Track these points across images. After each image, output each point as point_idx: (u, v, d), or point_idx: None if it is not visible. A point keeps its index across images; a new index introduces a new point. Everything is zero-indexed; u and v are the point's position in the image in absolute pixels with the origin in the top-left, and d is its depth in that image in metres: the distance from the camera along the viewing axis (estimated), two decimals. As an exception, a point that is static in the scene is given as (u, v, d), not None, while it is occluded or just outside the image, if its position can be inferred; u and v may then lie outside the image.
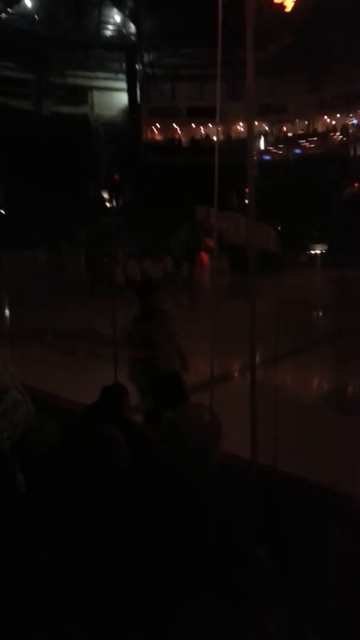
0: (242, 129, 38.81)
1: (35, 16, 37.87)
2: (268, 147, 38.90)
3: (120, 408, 2.65)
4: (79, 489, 1.70)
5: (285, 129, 40.91)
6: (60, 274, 18.27)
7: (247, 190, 29.38)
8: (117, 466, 1.69)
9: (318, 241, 26.46)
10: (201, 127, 39.38)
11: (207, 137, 38.68)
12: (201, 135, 39.12)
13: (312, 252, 26.65)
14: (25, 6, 37.56)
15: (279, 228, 22.71)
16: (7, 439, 2.10)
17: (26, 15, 37.68)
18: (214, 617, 1.14)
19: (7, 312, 12.81)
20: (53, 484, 1.80)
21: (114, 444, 1.75)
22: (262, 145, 38.83)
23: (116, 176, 34.06)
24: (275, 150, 38.55)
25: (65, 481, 1.77)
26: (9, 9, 36.87)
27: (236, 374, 8.06)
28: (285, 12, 19.86)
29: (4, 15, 36.96)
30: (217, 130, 35.33)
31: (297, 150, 37.61)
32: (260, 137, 39.81)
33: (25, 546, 1.50)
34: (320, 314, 14.39)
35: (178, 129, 40.20)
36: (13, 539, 1.52)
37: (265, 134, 39.92)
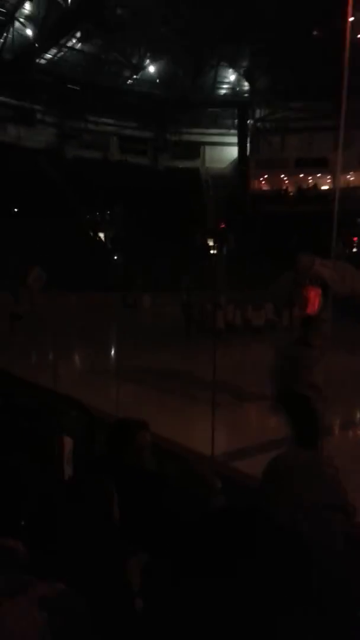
0: (351, 178, 38.27)
1: (157, 80, 41.15)
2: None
3: (135, 446, 2.51)
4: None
5: None
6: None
7: (355, 238, 28.59)
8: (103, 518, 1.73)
9: None
10: (309, 176, 39.48)
11: (315, 186, 38.62)
12: (308, 185, 39.16)
13: None
14: (148, 72, 41.00)
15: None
16: None
17: (149, 79, 41.09)
18: None
19: (112, 351, 13.44)
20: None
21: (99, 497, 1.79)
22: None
23: (222, 225, 35.05)
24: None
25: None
26: (134, 76, 40.47)
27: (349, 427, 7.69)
28: None
29: (129, 81, 40.63)
30: (337, 177, 35.10)
31: None
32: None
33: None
34: None
35: (285, 179, 40.67)
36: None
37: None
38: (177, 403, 8.84)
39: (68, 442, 2.75)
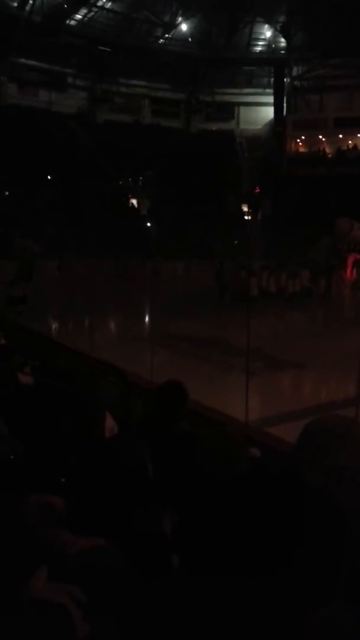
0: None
1: (189, 39, 39.81)
2: None
3: (176, 411, 2.53)
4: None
5: None
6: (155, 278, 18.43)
7: None
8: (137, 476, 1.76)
9: None
10: (349, 137, 37.91)
11: (355, 147, 37.12)
12: (348, 146, 37.66)
13: None
14: (180, 30, 39.66)
15: None
16: None
17: (181, 38, 39.79)
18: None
19: (146, 318, 13.54)
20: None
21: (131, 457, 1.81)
22: None
23: (257, 189, 34.25)
24: None
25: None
26: (166, 35, 39.26)
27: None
28: None
29: (161, 41, 39.45)
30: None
31: None
32: None
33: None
34: None
35: (324, 140, 39.17)
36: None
37: None
38: (212, 370, 8.90)
39: (109, 418, 2.81)
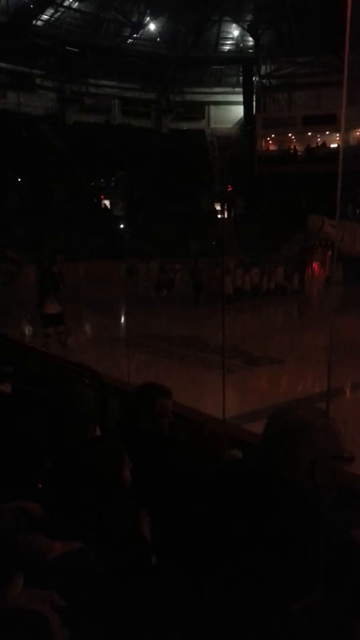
0: (361, 136, 37.13)
1: (158, 39, 39.76)
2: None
3: (154, 412, 2.48)
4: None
5: None
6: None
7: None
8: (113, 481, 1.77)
9: None
10: (317, 135, 38.42)
11: (324, 144, 37.64)
12: (317, 144, 38.18)
13: None
14: (149, 30, 39.58)
15: None
16: None
17: (150, 38, 39.72)
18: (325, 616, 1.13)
19: (122, 319, 13.48)
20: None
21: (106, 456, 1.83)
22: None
23: (229, 188, 34.46)
24: None
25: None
26: (135, 35, 39.12)
27: (348, 390, 7.72)
28: None
29: (130, 41, 39.31)
30: (342, 134, 34.25)
31: None
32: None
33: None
34: None
35: (293, 138, 39.62)
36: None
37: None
38: (188, 369, 8.91)
39: (95, 430, 2.79)
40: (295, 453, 1.34)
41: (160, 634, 1.35)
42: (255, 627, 1.20)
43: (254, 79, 40.00)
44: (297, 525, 1.26)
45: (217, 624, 1.26)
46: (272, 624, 1.17)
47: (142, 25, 38.95)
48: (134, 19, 38.19)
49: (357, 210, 26.16)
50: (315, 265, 20.42)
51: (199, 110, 42.75)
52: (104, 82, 40.26)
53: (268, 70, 39.79)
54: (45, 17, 35.57)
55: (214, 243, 20.81)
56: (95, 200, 32.80)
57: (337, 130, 35.72)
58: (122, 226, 28.69)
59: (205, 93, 42.42)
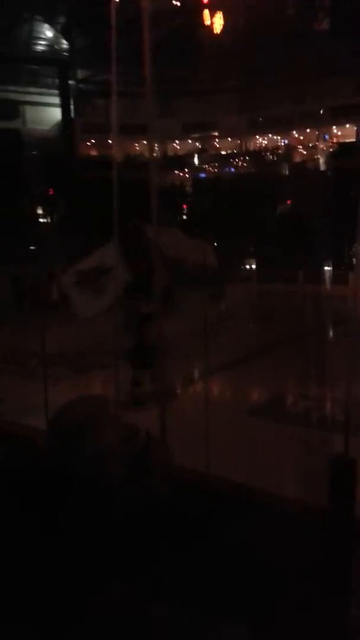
0: (178, 146, 39.49)
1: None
2: (202, 165, 39.80)
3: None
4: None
5: (218, 147, 42.08)
6: None
7: (184, 206, 29.85)
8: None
9: (252, 256, 27.22)
10: (134, 143, 39.71)
11: (142, 153, 39.04)
12: (134, 152, 39.47)
13: (247, 267, 27.36)
14: None
15: (215, 244, 23.09)
16: None
17: None
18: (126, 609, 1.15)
19: None
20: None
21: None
22: (196, 163, 39.72)
23: (50, 191, 33.58)
24: (209, 168, 39.51)
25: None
26: None
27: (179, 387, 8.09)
28: (215, 34, 20.55)
29: None
30: (151, 145, 35.66)
31: (231, 169, 38.74)
32: (194, 155, 40.68)
33: None
34: (254, 326, 14.72)
35: (112, 144, 40.33)
36: None
37: (199, 152, 40.86)
38: (10, 382, 8.42)
39: None
40: (78, 448, 1.35)
41: None
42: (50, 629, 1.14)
43: (70, 82, 39.68)
44: (84, 520, 1.28)
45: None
46: (68, 624, 1.16)
47: None
48: None
49: (178, 217, 27.72)
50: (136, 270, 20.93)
51: (13, 109, 40.82)
52: None
53: (85, 75, 39.85)
54: None
55: (32, 247, 20.02)
56: None
57: (153, 140, 37.32)
58: None
59: (20, 92, 40.66)
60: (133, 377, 7.65)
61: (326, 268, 22.29)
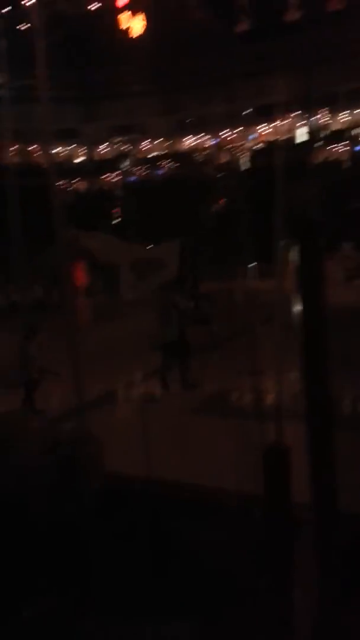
0: (103, 151, 39.09)
1: None
2: (131, 168, 39.64)
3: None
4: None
5: (146, 150, 42.01)
6: None
7: (116, 210, 29.56)
8: None
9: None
10: (61, 149, 38.86)
11: (69, 159, 38.36)
12: (61, 157, 38.63)
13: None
14: None
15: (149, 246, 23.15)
16: None
17: None
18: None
19: None
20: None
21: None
22: (125, 166, 39.54)
23: None
24: (139, 171, 39.42)
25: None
26: None
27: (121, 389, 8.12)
28: (134, 37, 20.56)
29: None
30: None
31: (160, 171, 38.83)
32: (123, 159, 40.46)
33: None
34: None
35: (38, 151, 39.31)
36: None
37: (128, 155, 40.66)
38: None
39: None
40: (6, 459, 1.35)
41: None
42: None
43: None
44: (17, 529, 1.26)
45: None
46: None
47: None
48: None
49: (109, 223, 27.46)
50: (74, 277, 20.50)
51: None
52: None
53: (3, 79, 38.51)
54: None
55: None
56: None
57: (81, 145, 36.86)
58: None
59: None
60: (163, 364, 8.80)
61: (254, 264, 22.67)
